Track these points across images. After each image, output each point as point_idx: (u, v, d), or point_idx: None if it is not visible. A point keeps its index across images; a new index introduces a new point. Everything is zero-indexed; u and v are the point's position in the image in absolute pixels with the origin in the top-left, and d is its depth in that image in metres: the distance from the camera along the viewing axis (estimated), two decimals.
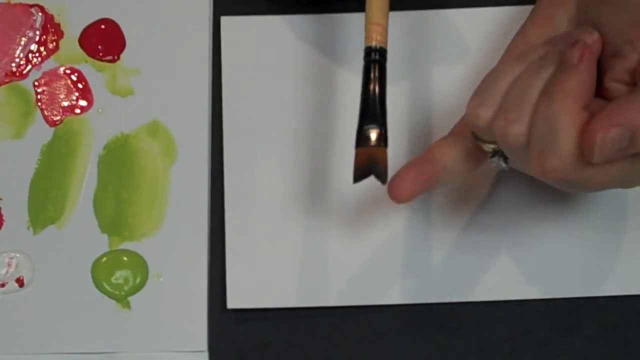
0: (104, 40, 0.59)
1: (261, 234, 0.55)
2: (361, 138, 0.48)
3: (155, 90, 0.58)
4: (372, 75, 0.49)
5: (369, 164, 0.48)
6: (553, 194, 0.55)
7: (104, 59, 0.59)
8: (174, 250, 0.55)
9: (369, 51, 0.50)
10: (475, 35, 0.58)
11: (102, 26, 0.59)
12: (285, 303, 0.54)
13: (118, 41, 0.59)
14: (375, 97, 0.49)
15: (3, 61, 0.58)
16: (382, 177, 0.48)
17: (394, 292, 0.54)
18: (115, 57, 0.59)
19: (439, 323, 0.55)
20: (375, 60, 0.50)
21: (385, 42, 0.50)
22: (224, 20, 0.58)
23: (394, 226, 0.55)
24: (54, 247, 0.56)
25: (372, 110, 0.49)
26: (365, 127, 0.48)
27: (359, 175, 0.48)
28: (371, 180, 0.48)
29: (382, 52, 0.50)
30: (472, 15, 0.58)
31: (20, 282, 0.55)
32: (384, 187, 0.48)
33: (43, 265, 0.55)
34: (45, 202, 0.56)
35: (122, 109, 0.58)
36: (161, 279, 0.55)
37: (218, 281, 0.55)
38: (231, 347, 0.55)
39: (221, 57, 0.58)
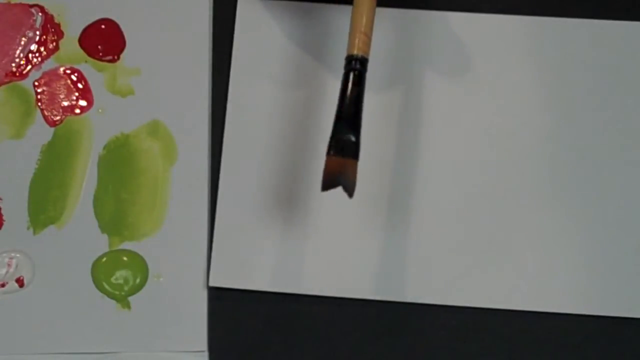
0: (104, 40, 0.59)
1: (251, 220, 0.55)
2: (333, 146, 0.48)
3: (155, 90, 0.58)
4: (350, 84, 0.49)
5: (338, 174, 0.48)
6: (539, 199, 0.55)
7: (104, 59, 0.59)
8: (174, 250, 0.56)
9: (350, 59, 0.49)
10: (475, 41, 0.58)
11: (102, 26, 0.59)
12: (264, 287, 0.54)
13: (118, 41, 0.59)
14: (351, 106, 0.49)
15: (3, 61, 0.58)
16: (349, 189, 0.48)
17: (370, 287, 0.54)
18: (115, 57, 0.59)
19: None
20: (355, 69, 0.49)
21: (368, 52, 0.50)
22: (241, 1, 0.58)
23: (375, 224, 0.55)
24: (54, 247, 0.56)
25: (347, 119, 0.48)
26: (338, 136, 0.48)
27: (327, 184, 0.48)
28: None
29: (363, 61, 0.49)
30: (474, 20, 0.58)
31: (20, 282, 0.55)
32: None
33: (43, 265, 0.55)
34: (45, 202, 0.56)
35: (122, 109, 0.58)
36: (161, 279, 0.55)
37: None
38: (231, 347, 0.55)
39: (233, 39, 0.58)
